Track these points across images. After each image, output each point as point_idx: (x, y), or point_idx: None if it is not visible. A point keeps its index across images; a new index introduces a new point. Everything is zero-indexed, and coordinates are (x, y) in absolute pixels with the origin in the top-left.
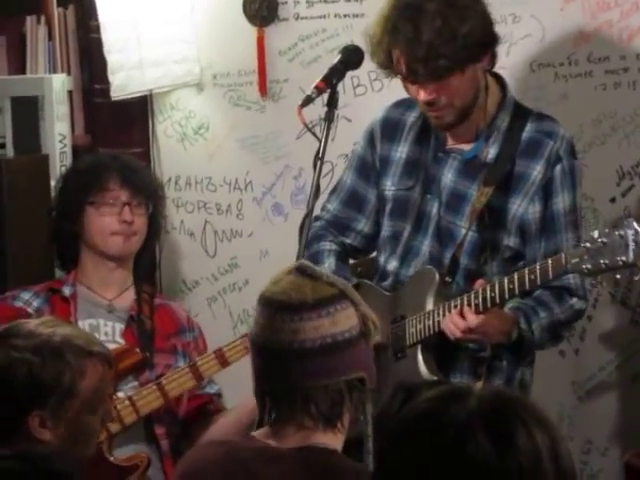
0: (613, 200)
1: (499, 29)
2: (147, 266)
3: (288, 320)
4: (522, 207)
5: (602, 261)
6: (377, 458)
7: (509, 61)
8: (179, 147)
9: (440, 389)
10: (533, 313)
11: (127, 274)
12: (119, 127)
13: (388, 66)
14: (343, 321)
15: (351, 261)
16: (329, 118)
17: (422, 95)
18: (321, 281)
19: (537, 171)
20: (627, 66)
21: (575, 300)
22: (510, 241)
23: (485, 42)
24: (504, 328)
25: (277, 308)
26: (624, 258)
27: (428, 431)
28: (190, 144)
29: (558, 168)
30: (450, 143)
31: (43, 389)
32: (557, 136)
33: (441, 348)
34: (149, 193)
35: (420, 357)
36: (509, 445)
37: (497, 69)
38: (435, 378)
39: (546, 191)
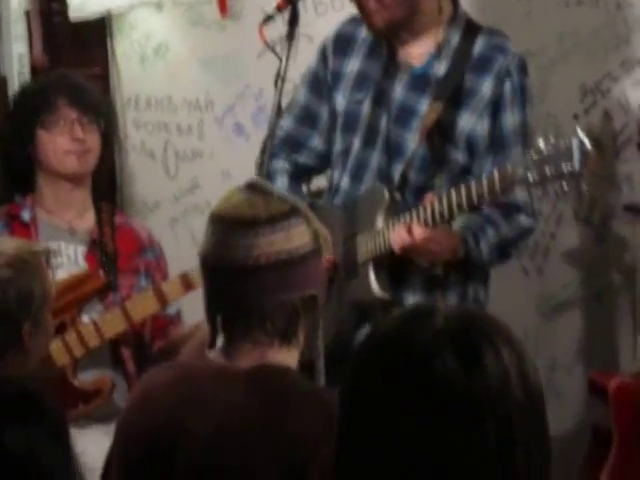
0: (576, 117)
1: None
2: (105, 185)
3: (242, 236)
4: (471, 122)
5: (548, 170)
6: (343, 379)
7: None
8: (139, 67)
9: (406, 308)
10: (482, 231)
11: (86, 195)
12: (78, 47)
13: None
14: (297, 237)
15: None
16: (290, 37)
17: None
18: (273, 197)
19: (486, 86)
20: None
21: (523, 217)
22: (458, 156)
23: None
24: (450, 245)
25: (230, 225)
26: (569, 166)
27: (394, 351)
28: (150, 64)
29: (507, 84)
30: (401, 57)
31: (28, 299)
32: (507, 52)
33: (394, 266)
34: (99, 110)
35: (372, 275)
36: (476, 364)
37: None
38: (387, 296)
39: (495, 107)
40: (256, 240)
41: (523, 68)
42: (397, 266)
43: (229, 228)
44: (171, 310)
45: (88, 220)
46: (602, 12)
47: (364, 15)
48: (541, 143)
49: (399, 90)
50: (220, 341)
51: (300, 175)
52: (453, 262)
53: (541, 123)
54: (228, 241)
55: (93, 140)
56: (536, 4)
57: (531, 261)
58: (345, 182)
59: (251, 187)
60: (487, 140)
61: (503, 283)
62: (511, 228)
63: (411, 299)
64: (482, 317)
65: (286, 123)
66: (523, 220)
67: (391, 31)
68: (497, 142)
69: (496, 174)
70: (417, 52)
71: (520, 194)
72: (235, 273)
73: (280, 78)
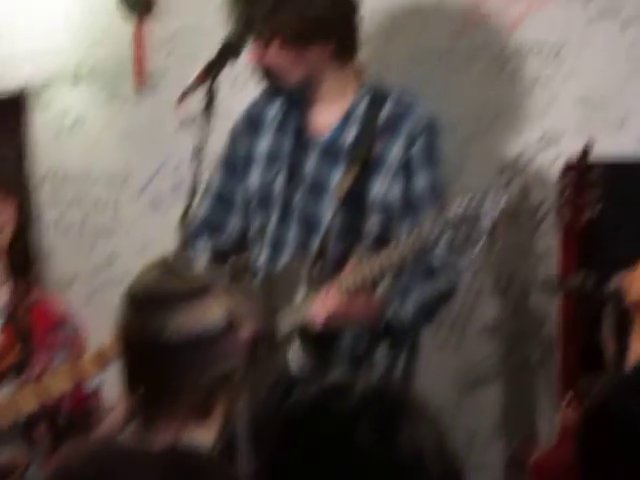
0: None
1: (372, 21)
2: (21, 260)
3: (156, 314)
4: (384, 188)
5: (461, 232)
6: (260, 454)
7: (388, 51)
8: (55, 142)
9: (323, 384)
10: (403, 296)
11: (0, 270)
12: None
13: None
14: (211, 314)
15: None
16: (208, 111)
17: (255, 54)
18: (188, 274)
19: (396, 150)
20: (508, 57)
21: (445, 278)
22: (375, 224)
23: (312, 30)
24: (370, 312)
25: (143, 302)
26: (481, 227)
27: (312, 427)
28: (66, 139)
29: (417, 146)
30: (311, 130)
31: None
32: (415, 113)
33: (317, 342)
34: (14, 185)
35: (294, 351)
36: (392, 441)
37: (377, 59)
38: (310, 372)
39: (407, 170)
40: (170, 318)
41: (433, 128)
42: (321, 340)
43: (143, 305)
44: (90, 384)
45: (3, 296)
46: (520, 86)
47: (273, 78)
48: (454, 204)
49: (311, 162)
50: (138, 417)
51: (221, 255)
52: (377, 329)
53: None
54: (142, 319)
55: (7, 216)
56: (454, 77)
57: (450, 334)
58: (264, 259)
59: (165, 264)
60: (401, 204)
61: (422, 357)
62: (433, 290)
63: (335, 373)
64: (399, 392)
65: (204, 205)
66: (445, 281)
67: (301, 89)
68: (412, 205)
69: (410, 239)
70: (326, 122)
71: (441, 255)
72: (150, 351)
73: (197, 153)
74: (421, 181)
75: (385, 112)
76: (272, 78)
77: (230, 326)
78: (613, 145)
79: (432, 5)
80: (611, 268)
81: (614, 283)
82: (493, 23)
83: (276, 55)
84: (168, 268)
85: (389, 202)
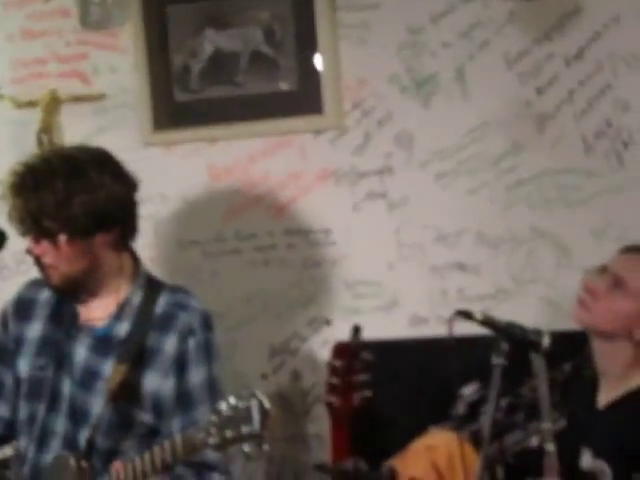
0: (265, 376)
1: (146, 208)
2: None
3: None
4: (156, 382)
5: (228, 433)
6: None
7: (157, 239)
8: None
9: None
10: None
11: None
12: None
13: None
14: None
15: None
16: None
17: (29, 246)
18: None
19: (170, 345)
20: (275, 242)
21: (216, 475)
22: (145, 417)
23: (97, 222)
24: None
25: None
26: (249, 428)
27: None
28: None
29: (192, 341)
30: (83, 319)
31: None
32: (190, 309)
33: None
34: None
35: None
36: None
37: (145, 247)
38: None
39: (180, 365)
40: None
41: (207, 324)
42: None
43: None
44: None
45: None
46: (289, 272)
47: (41, 272)
48: (223, 405)
49: (81, 352)
50: None
51: None
52: None
53: (230, 382)
54: None
55: None
56: (222, 264)
57: None
58: (31, 451)
59: None
60: (174, 399)
61: None
62: None
63: None
64: None
65: None
66: (216, 478)
67: (69, 287)
68: (184, 400)
69: (178, 439)
70: (99, 313)
71: (212, 453)
72: None
73: None
74: (195, 377)
75: (159, 307)
76: (50, 271)
77: None
78: (383, 327)
79: (200, 191)
80: (384, 449)
81: (387, 466)
82: (261, 208)
83: (60, 249)
84: None
85: (162, 396)
